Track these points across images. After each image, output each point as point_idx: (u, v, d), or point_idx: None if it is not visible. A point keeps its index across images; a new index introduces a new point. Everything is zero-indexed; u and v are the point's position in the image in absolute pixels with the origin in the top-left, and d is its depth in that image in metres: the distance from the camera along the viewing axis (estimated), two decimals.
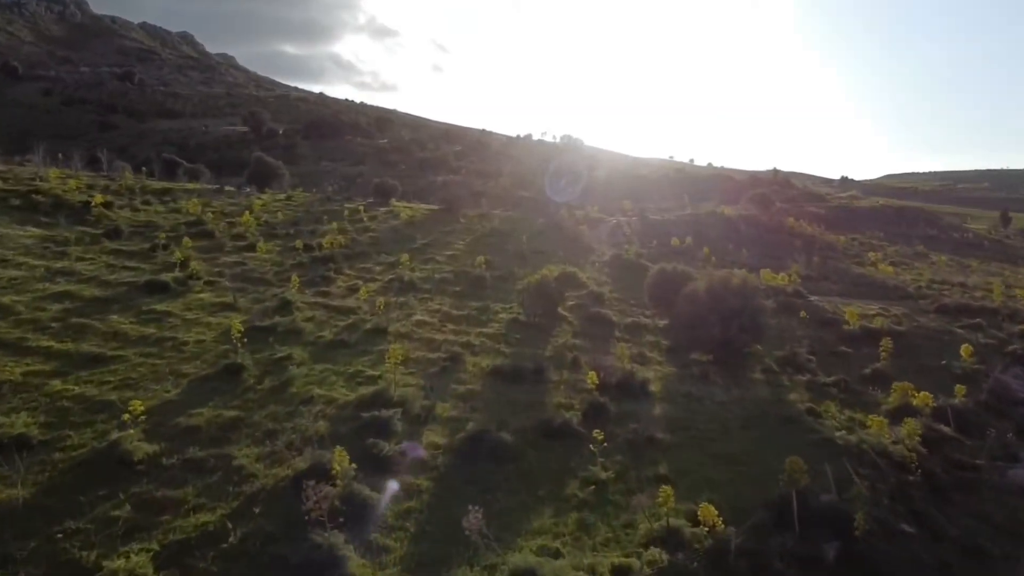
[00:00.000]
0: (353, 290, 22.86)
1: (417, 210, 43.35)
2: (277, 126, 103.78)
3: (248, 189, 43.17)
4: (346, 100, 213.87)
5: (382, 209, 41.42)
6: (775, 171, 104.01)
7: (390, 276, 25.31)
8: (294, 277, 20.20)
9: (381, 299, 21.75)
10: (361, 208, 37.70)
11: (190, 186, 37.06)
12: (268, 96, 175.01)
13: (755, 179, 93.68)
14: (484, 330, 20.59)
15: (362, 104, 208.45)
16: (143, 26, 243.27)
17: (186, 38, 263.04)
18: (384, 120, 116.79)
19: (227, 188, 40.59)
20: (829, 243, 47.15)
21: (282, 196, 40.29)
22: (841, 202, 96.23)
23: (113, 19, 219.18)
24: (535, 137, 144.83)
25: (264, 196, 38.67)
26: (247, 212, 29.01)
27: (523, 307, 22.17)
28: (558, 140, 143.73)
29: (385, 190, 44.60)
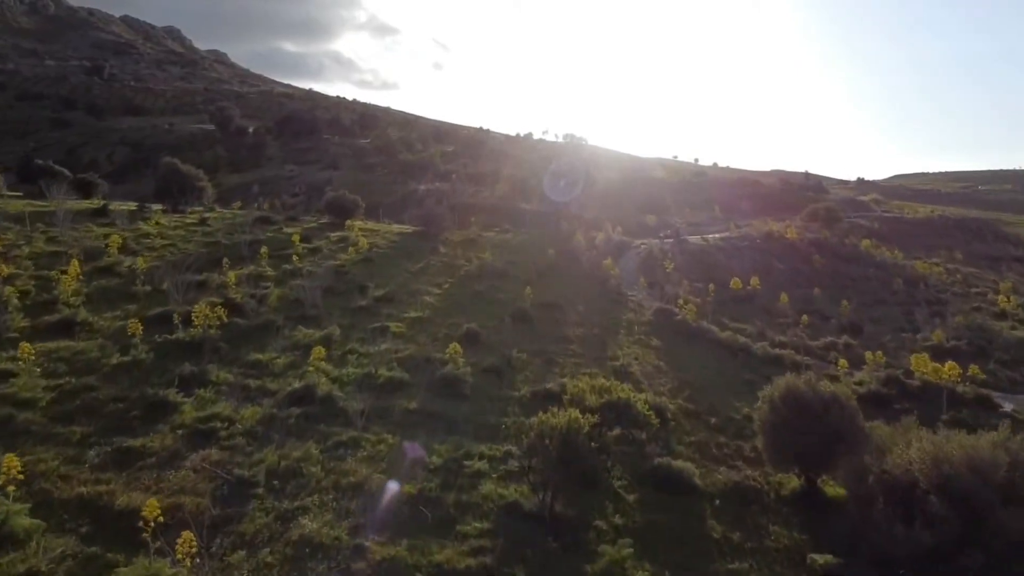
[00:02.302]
0: (204, 435, 11.90)
1: (383, 235, 32.39)
2: (249, 124, 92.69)
3: (159, 208, 32.24)
4: (337, 97, 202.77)
5: (333, 235, 30.43)
6: (807, 174, 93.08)
7: (294, 383, 14.32)
8: (10, 460, 8.98)
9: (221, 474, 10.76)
10: (296, 238, 26.69)
11: (51, 205, 25.99)
12: (251, 92, 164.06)
13: (786, 183, 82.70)
14: (443, 554, 9.65)
15: (354, 101, 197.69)
16: (125, 19, 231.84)
17: (172, 32, 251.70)
18: (370, 117, 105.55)
19: (121, 207, 29.58)
20: (923, 275, 36.17)
21: (192, 219, 29.25)
22: (882, 209, 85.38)
23: (91, 11, 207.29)
24: (536, 136, 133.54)
25: (161, 221, 27.66)
26: (78, 260, 17.93)
27: (530, 478, 11.23)
28: (560, 139, 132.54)
29: (342, 207, 33.62)
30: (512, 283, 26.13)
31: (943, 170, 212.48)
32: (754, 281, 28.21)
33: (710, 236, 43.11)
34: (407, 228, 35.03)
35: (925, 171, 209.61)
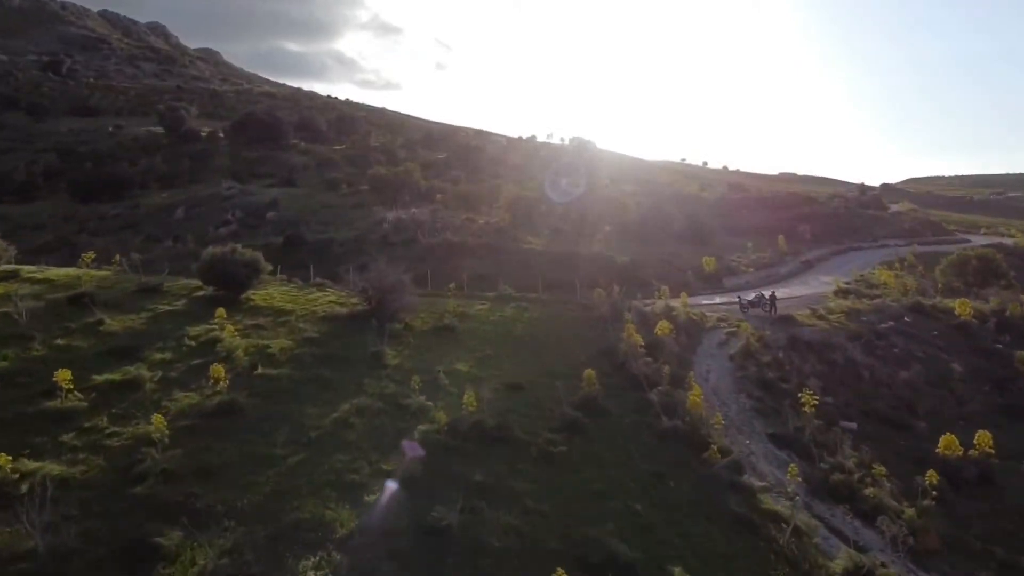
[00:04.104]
0: None
1: (295, 323, 18.79)
2: (207, 126, 79.21)
3: None
4: (328, 96, 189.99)
5: (193, 334, 16.78)
6: (862, 187, 79.50)
7: None
8: None
9: None
10: (65, 375, 12.98)
11: None
12: (228, 91, 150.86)
13: (844, 200, 68.92)
14: None
15: (346, 101, 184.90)
16: (103, 14, 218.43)
17: (156, 29, 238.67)
18: (347, 119, 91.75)
19: None
20: None
21: None
22: (959, 229, 71.55)
23: (63, 5, 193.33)
24: (540, 139, 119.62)
25: None
26: None
27: None
28: (566, 142, 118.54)
29: (227, 274, 19.93)
30: (516, 469, 12.58)
31: (956, 173, 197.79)
32: (982, 439, 14.54)
33: (803, 293, 29.51)
34: (344, 302, 21.41)
35: (939, 174, 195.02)
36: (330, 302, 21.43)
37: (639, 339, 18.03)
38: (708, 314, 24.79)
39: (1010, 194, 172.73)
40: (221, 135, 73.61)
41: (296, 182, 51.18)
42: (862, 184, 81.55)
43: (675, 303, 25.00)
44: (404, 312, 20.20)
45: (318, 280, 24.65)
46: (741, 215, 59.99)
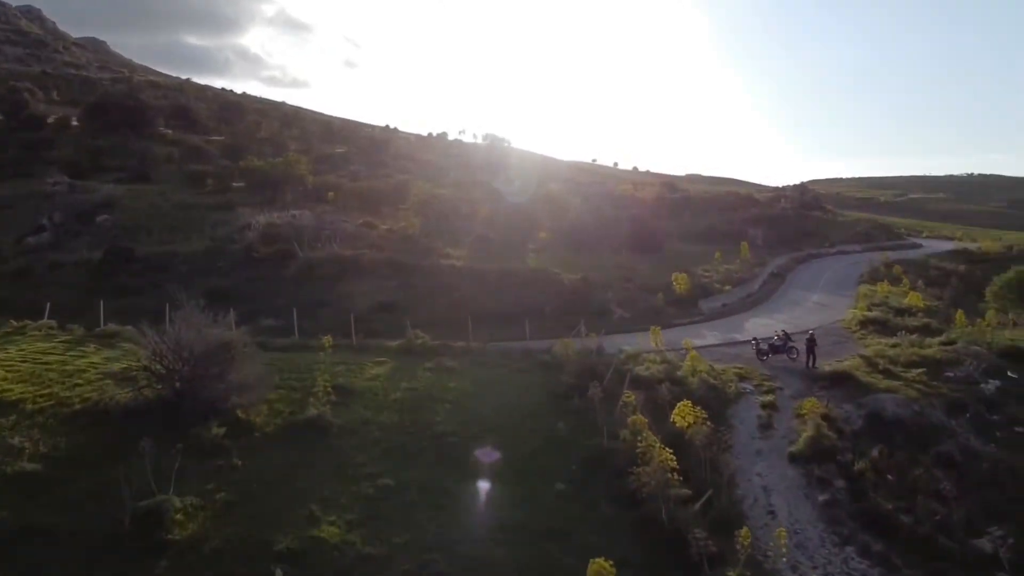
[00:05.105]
0: None
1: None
2: (59, 111, 66.59)
3: None
4: (223, 89, 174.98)
5: None
6: (802, 187, 74.65)
7: None
8: None
9: None
10: None
11: None
12: (105, 79, 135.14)
13: (790, 202, 63.22)
14: None
15: (243, 94, 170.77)
16: None
17: (29, 12, 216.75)
18: (232, 108, 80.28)
19: None
20: None
21: None
22: (909, 234, 67.00)
23: None
24: (451, 136, 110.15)
25: None
26: None
27: None
28: (480, 140, 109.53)
29: None
30: None
31: (853, 176, 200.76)
32: None
33: (811, 323, 21.93)
34: (136, 374, 12.16)
35: (838, 176, 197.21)
36: (103, 378, 12.17)
37: (667, 456, 9.66)
38: (716, 365, 16.75)
39: (911, 195, 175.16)
40: (75, 123, 61.51)
41: (150, 176, 40.65)
42: (802, 184, 76.71)
43: (661, 348, 16.90)
44: (234, 399, 11.20)
45: (111, 326, 15.23)
46: (685, 218, 53.00)
